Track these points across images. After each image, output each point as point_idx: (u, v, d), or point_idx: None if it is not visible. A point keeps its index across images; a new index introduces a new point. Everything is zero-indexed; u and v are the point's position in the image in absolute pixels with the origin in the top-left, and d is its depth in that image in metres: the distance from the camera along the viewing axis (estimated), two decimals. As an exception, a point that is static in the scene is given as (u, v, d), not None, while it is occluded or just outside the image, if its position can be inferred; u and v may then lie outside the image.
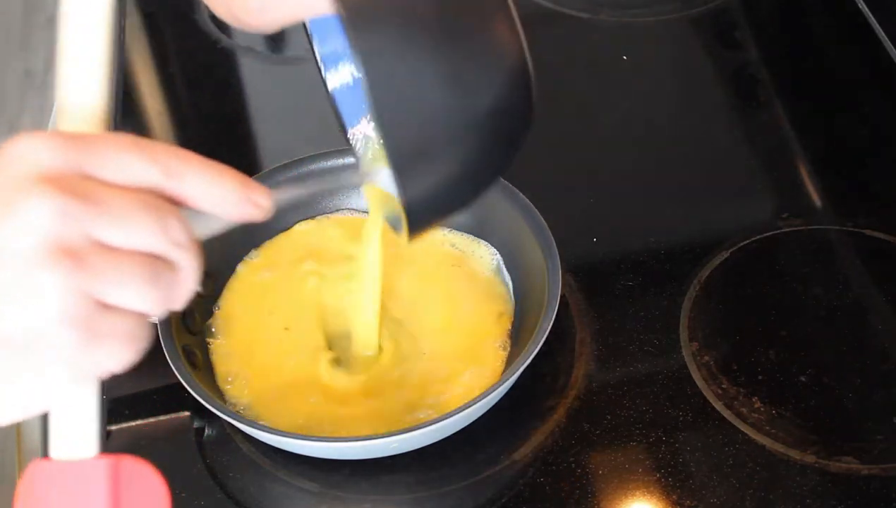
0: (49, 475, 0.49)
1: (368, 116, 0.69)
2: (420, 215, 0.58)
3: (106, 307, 0.46)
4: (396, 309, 0.81)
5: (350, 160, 0.87)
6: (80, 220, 0.44)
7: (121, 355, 0.47)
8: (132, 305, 0.46)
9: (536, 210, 0.82)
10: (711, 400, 0.78)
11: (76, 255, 0.44)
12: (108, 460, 0.49)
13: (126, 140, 0.47)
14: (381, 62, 0.52)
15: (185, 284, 0.48)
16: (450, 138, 0.55)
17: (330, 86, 0.70)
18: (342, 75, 0.69)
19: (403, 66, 0.53)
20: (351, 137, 0.70)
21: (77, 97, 0.49)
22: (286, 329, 0.81)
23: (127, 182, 0.46)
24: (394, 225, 0.68)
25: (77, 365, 0.46)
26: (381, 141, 0.53)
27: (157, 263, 0.47)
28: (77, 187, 0.45)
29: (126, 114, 1.03)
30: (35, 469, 0.49)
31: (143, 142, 0.47)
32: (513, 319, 0.81)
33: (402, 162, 0.54)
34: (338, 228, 0.88)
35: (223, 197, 0.49)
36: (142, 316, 0.47)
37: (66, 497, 0.49)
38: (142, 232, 0.46)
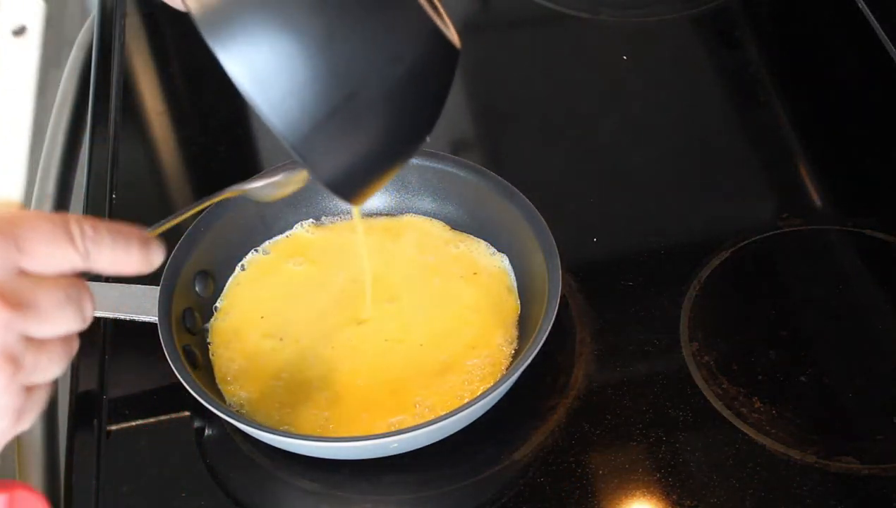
0: None
1: None
2: (343, 186, 0.61)
3: (31, 389, 0.54)
4: (401, 308, 0.82)
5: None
6: (18, 327, 0.52)
7: (33, 421, 0.55)
8: (51, 379, 0.55)
9: (536, 210, 0.82)
10: (711, 400, 0.78)
11: (14, 360, 0.52)
12: (5, 495, 0.56)
13: (52, 228, 0.53)
14: (239, 51, 0.53)
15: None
16: (331, 104, 0.57)
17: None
18: None
19: (262, 49, 0.55)
20: None
21: (2, 181, 0.58)
22: (286, 329, 0.81)
23: (53, 272, 0.53)
24: None
25: (2, 437, 0.54)
26: (267, 123, 0.57)
27: (72, 339, 0.55)
28: (14, 295, 0.52)
29: (126, 115, 1.04)
30: None
31: (64, 225, 0.54)
32: (518, 318, 0.81)
33: (297, 143, 0.57)
34: (338, 231, 0.88)
35: (126, 263, 0.56)
36: (48, 385, 0.55)
37: None
38: (67, 323, 0.54)
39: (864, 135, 0.97)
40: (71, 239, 0.53)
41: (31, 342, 0.53)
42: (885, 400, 0.78)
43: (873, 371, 0.80)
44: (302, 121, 0.57)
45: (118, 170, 0.97)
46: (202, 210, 0.80)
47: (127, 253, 0.56)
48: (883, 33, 1.03)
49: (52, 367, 0.54)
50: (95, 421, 0.79)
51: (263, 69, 0.56)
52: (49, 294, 0.53)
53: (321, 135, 0.57)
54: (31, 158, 0.86)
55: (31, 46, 0.53)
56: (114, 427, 0.79)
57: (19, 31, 0.54)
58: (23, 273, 0.53)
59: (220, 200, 0.74)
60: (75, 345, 0.55)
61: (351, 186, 0.62)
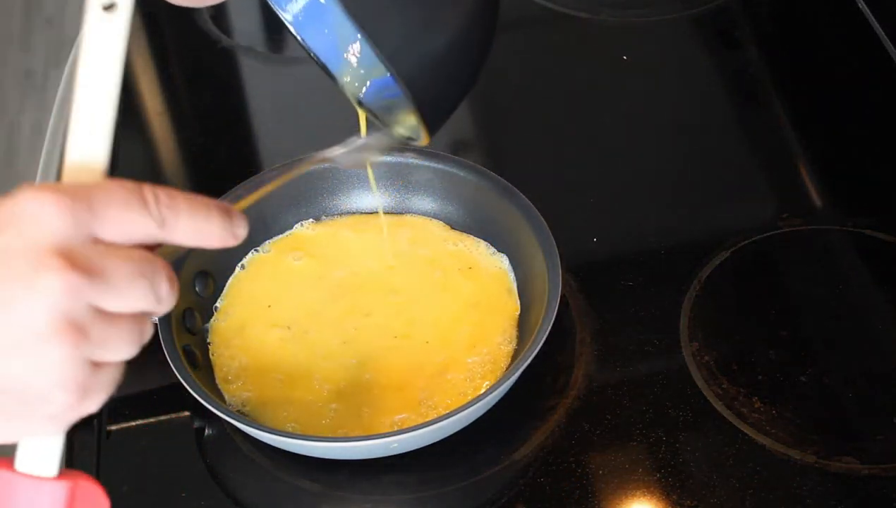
0: (11, 486, 0.53)
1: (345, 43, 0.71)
2: (433, 109, 0.63)
3: (98, 365, 0.51)
4: (404, 304, 0.82)
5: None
6: (87, 295, 0.49)
7: (103, 401, 0.53)
8: (120, 359, 0.52)
9: (537, 210, 0.82)
10: (711, 400, 0.78)
11: (81, 329, 0.49)
12: (68, 482, 0.55)
13: (126, 194, 0.51)
14: None
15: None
16: (433, 26, 0.60)
17: (294, 27, 0.71)
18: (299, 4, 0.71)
19: None
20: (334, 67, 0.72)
21: (85, 149, 0.55)
22: (286, 328, 0.81)
23: (127, 240, 0.51)
24: (409, 134, 0.70)
25: (67, 417, 0.52)
26: (374, 49, 0.58)
27: (144, 318, 0.52)
28: (85, 261, 0.49)
29: (126, 115, 1.04)
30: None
31: (140, 191, 0.52)
32: (518, 318, 0.81)
33: (400, 66, 0.59)
34: (337, 228, 0.88)
35: (208, 233, 0.54)
36: (123, 362, 0.53)
37: None
38: (137, 299, 0.51)
39: (864, 135, 0.97)
40: (145, 203, 0.51)
41: (99, 313, 0.50)
42: (885, 400, 0.78)
43: (873, 371, 0.80)
44: (410, 53, 0.60)
45: (118, 170, 0.96)
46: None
47: (207, 221, 0.53)
48: (883, 33, 1.03)
49: (121, 345, 0.51)
50: (95, 421, 0.79)
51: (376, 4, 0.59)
52: (122, 265, 0.50)
53: (424, 64, 0.60)
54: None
55: (121, 22, 0.53)
56: (114, 427, 0.79)
57: (109, 7, 0.54)
58: (96, 240, 0.50)
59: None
60: (148, 328, 0.52)
61: (441, 116, 0.65)
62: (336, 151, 0.72)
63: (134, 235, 0.51)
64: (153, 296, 0.51)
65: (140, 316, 0.52)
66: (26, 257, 0.49)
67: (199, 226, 0.53)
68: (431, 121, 0.64)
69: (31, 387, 0.49)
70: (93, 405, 0.52)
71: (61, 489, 0.54)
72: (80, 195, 0.50)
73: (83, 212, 0.50)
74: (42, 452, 0.54)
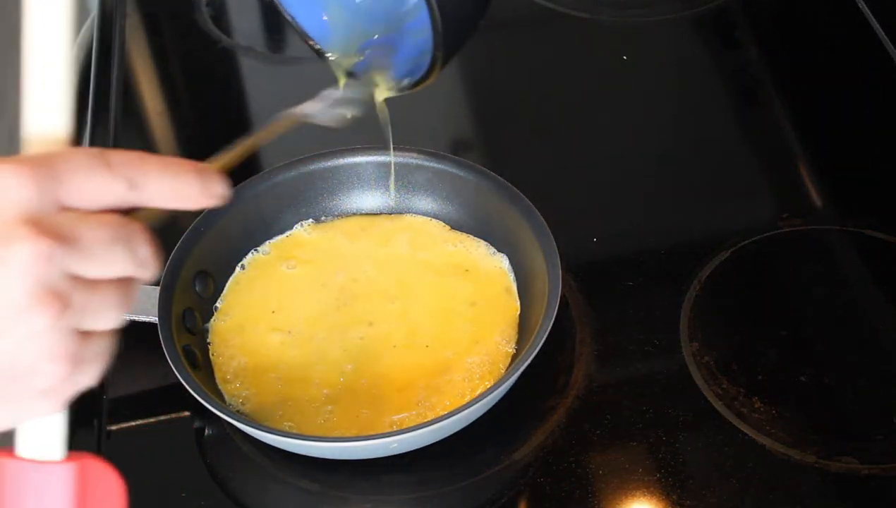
0: (16, 473, 0.52)
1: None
2: (451, 38, 0.64)
3: (87, 335, 0.50)
4: (404, 310, 0.82)
5: (351, 159, 0.87)
6: (62, 262, 0.48)
7: (97, 373, 0.51)
8: (108, 327, 0.51)
9: (536, 210, 0.82)
10: (711, 400, 0.78)
11: (61, 296, 0.48)
12: (75, 464, 0.53)
13: (88, 158, 0.50)
14: None
15: (147, 281, 0.52)
16: None
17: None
18: None
19: None
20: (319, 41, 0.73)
21: (44, 120, 0.52)
22: (286, 329, 0.81)
23: (96, 205, 0.50)
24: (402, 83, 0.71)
25: (62, 391, 0.50)
26: None
27: (128, 283, 0.51)
28: (55, 228, 0.48)
29: (126, 115, 1.04)
30: (1, 465, 0.52)
31: (103, 155, 0.50)
32: (518, 318, 0.81)
33: None
34: (337, 229, 0.88)
35: (183, 193, 0.52)
36: (113, 331, 0.51)
37: (31, 496, 0.52)
38: (115, 262, 0.50)
39: (864, 135, 0.97)
40: (109, 166, 0.50)
41: (79, 281, 0.48)
42: (885, 400, 0.78)
43: (873, 371, 0.80)
44: None
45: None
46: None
47: (180, 180, 0.51)
48: (883, 33, 1.03)
49: (106, 312, 0.50)
50: (95, 421, 0.79)
51: None
52: (95, 229, 0.49)
53: None
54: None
55: None
56: (114, 428, 0.79)
57: None
58: (65, 208, 0.49)
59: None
60: (133, 292, 0.51)
61: (455, 46, 0.66)
62: (313, 107, 0.70)
63: (103, 199, 0.50)
64: (132, 259, 0.50)
65: (124, 282, 0.50)
66: None
67: (172, 185, 0.51)
68: (447, 42, 0.64)
69: (18, 362, 0.48)
70: (87, 377, 0.50)
71: (68, 471, 0.52)
72: (42, 163, 0.49)
73: (47, 180, 0.48)
74: (43, 435, 0.52)
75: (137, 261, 0.50)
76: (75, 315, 0.49)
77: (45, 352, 0.48)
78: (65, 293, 0.48)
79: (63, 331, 0.48)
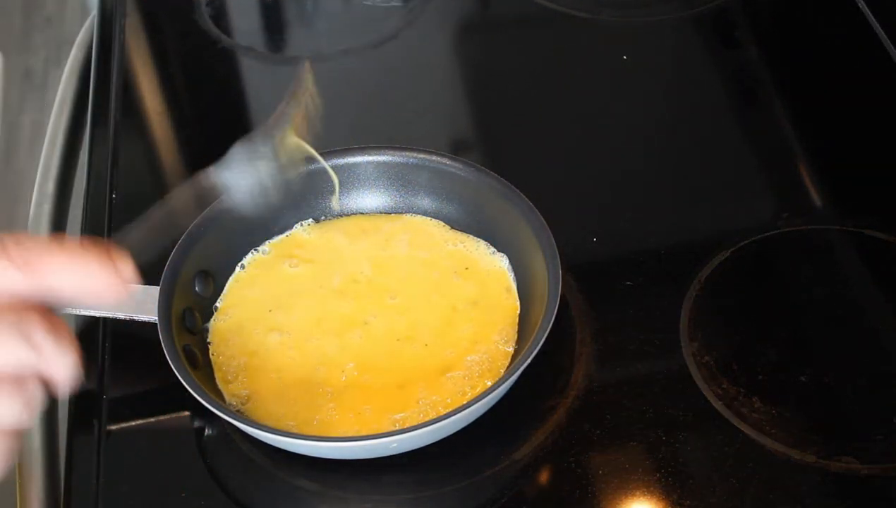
0: None
1: None
2: None
3: None
4: (403, 307, 0.82)
5: (351, 159, 0.87)
6: None
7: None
8: (9, 422, 0.47)
9: (536, 210, 0.82)
10: (711, 400, 0.78)
11: None
12: None
13: None
14: None
15: (61, 376, 0.49)
16: None
17: None
18: None
19: None
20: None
21: None
22: (286, 329, 0.81)
23: None
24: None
25: None
26: None
27: (28, 378, 0.47)
28: None
29: (126, 115, 1.04)
30: None
31: (6, 244, 0.48)
32: (518, 318, 0.81)
33: None
34: (337, 229, 0.88)
35: (88, 275, 0.49)
36: (13, 430, 0.48)
37: None
38: (9, 354, 0.46)
39: (864, 135, 0.97)
40: (3, 248, 0.47)
41: None
42: (885, 400, 0.78)
43: (873, 371, 0.80)
44: None
45: (118, 170, 0.97)
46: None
47: (82, 259, 0.49)
48: (883, 33, 1.03)
49: (4, 409, 0.47)
50: (95, 421, 0.79)
51: None
52: None
53: None
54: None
55: None
56: (114, 427, 0.79)
57: None
58: None
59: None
60: (36, 392, 0.48)
61: None
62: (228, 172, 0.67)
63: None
64: (25, 345, 0.47)
65: (21, 378, 0.47)
66: None
67: (72, 266, 0.49)
68: None
69: None
70: None
71: None
72: None
73: None
74: None
75: (31, 346, 0.47)
76: None
77: None
78: None
79: None
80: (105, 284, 0.49)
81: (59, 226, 0.98)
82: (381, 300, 0.82)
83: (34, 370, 0.48)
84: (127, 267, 0.50)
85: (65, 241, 0.49)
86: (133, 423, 0.80)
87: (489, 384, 0.76)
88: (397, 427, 0.74)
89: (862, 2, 1.05)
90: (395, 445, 0.74)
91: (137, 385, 0.83)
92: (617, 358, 0.81)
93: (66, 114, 1.05)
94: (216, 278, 0.84)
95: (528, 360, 0.74)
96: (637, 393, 0.79)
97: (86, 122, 1.02)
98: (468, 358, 0.79)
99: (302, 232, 0.87)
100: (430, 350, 0.79)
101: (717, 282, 0.85)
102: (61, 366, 0.48)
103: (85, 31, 1.11)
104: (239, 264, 0.85)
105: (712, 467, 0.75)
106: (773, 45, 1.09)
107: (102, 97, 1.02)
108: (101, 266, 0.49)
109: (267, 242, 0.87)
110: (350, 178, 0.88)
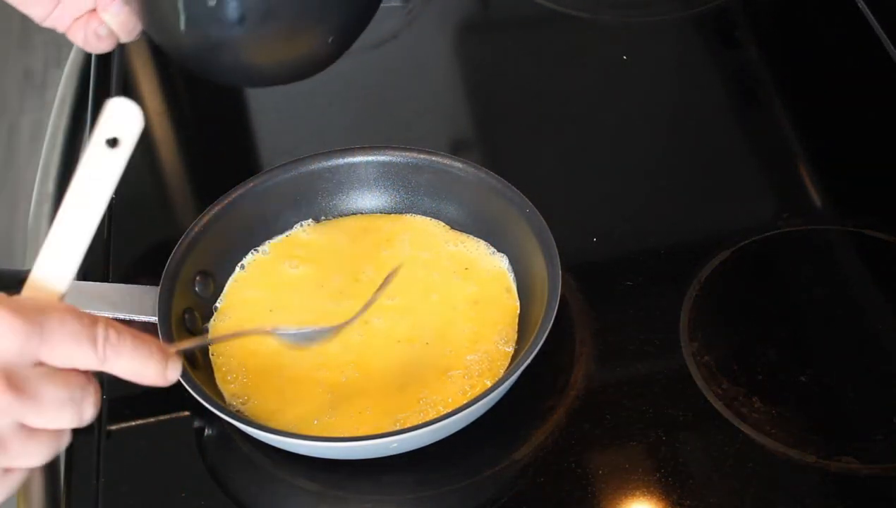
0: None
1: None
2: None
3: (9, 470, 0.55)
4: (404, 307, 0.82)
5: (351, 159, 0.87)
6: (15, 413, 0.53)
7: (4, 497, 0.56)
8: (30, 465, 0.55)
9: (536, 210, 0.82)
10: (711, 400, 0.78)
11: (2, 443, 0.53)
12: None
13: (80, 327, 0.55)
14: None
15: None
16: None
17: None
18: None
19: None
20: None
21: (55, 265, 0.57)
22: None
23: (68, 366, 0.55)
24: None
25: None
26: None
27: (65, 434, 0.56)
28: (22, 384, 0.53)
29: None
30: None
31: (91, 327, 0.55)
32: (518, 318, 0.81)
33: None
34: (337, 229, 0.88)
35: (142, 376, 0.58)
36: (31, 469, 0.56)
37: None
38: (61, 420, 0.55)
39: (864, 135, 0.97)
40: (94, 341, 0.55)
41: (22, 429, 0.53)
42: (885, 400, 0.78)
43: (873, 371, 0.80)
44: None
45: (118, 169, 0.96)
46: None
47: (144, 366, 0.57)
48: (883, 33, 1.03)
49: (36, 456, 0.55)
50: (95, 421, 0.79)
51: None
52: (55, 390, 0.54)
53: None
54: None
55: (121, 157, 0.56)
56: (114, 427, 0.79)
57: (113, 142, 0.56)
58: (39, 363, 0.54)
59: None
60: (66, 439, 0.56)
61: None
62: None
63: (75, 365, 0.55)
64: (77, 419, 0.55)
65: (60, 431, 0.55)
66: None
67: (135, 369, 0.57)
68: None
69: None
70: None
71: None
72: (35, 320, 0.53)
73: (34, 337, 0.53)
74: None
75: (80, 420, 0.55)
76: (8, 458, 0.54)
77: None
78: (7, 440, 0.53)
79: None
80: (152, 380, 0.58)
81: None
82: (381, 300, 0.82)
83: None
84: (175, 370, 0.59)
85: (134, 333, 0.57)
86: (133, 423, 0.80)
87: (489, 384, 0.76)
88: (397, 427, 0.74)
89: (862, 2, 1.05)
90: (395, 445, 0.74)
91: (137, 385, 0.82)
92: (617, 358, 0.81)
93: (66, 114, 1.05)
94: (216, 278, 0.84)
95: (528, 360, 0.74)
96: (637, 393, 0.79)
97: (86, 122, 1.02)
98: (468, 358, 0.79)
99: (302, 232, 0.87)
100: (431, 350, 0.79)
101: (717, 282, 0.85)
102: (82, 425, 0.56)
103: (85, 31, 1.11)
104: (239, 264, 0.85)
105: (712, 467, 0.75)
106: (773, 45, 1.09)
107: (102, 97, 1.02)
108: (156, 368, 0.58)
109: (267, 242, 0.87)
110: (350, 178, 0.88)
